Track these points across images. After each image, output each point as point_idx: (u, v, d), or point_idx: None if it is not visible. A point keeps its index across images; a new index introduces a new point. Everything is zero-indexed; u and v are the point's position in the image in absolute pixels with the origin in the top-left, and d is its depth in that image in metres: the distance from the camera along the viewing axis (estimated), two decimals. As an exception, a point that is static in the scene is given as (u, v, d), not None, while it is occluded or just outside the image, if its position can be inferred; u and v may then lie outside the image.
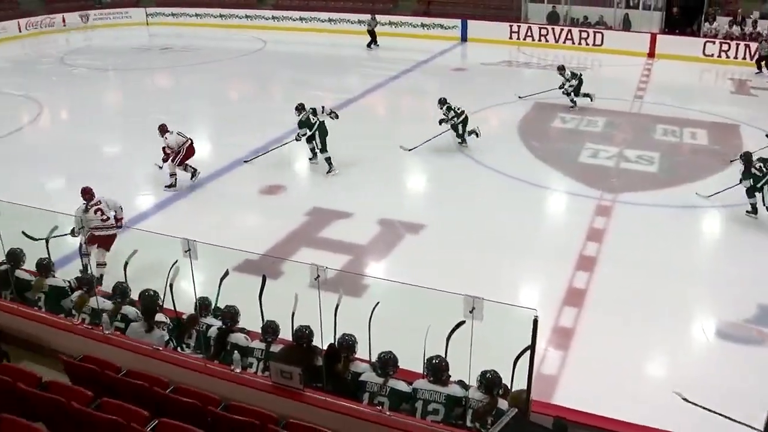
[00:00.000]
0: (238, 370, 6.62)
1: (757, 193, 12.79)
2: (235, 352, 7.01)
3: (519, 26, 28.99)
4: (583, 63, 25.90)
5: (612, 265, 11.33)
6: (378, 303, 7.11)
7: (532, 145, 16.96)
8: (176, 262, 7.71)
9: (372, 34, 29.47)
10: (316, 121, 15.32)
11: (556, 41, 28.40)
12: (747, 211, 13.00)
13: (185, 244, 6.33)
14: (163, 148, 14.71)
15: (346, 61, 28.03)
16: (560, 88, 19.45)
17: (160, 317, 7.78)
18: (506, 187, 14.67)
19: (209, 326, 7.55)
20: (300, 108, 15.62)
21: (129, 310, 7.90)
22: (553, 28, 28.58)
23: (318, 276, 5.98)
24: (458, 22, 29.87)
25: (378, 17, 29.88)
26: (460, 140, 16.66)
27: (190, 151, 14.70)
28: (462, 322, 6.14)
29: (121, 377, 6.45)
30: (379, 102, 21.72)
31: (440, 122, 16.52)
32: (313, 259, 6.37)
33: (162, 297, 8.04)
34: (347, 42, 29.90)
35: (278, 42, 30.69)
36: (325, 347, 6.80)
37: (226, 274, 8.30)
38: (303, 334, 6.82)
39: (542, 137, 17.70)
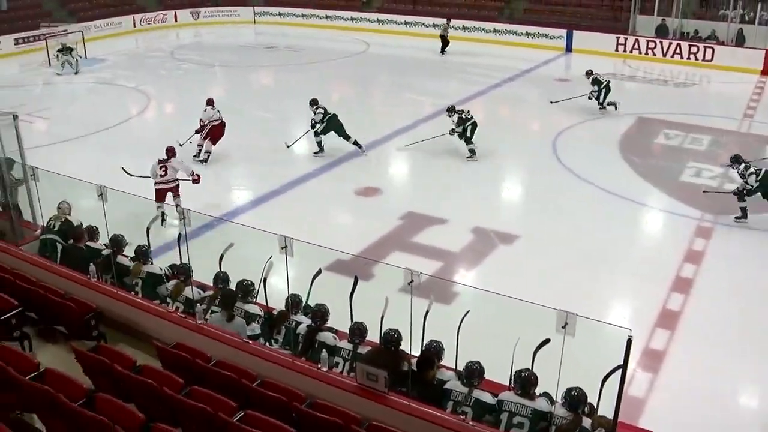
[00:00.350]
0: (324, 369, 6.70)
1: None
2: (323, 350, 7.08)
3: (626, 38, 28.38)
4: (691, 78, 25.24)
5: (709, 289, 11.00)
6: (468, 311, 7.08)
7: (633, 160, 16.58)
8: (271, 257, 7.86)
9: (444, 39, 29.37)
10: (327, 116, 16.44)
11: (664, 55, 27.65)
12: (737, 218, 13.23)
13: (282, 241, 6.43)
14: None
15: (448, 66, 27.99)
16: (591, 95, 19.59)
17: (254, 309, 7.95)
18: (603, 202, 14.39)
19: (299, 323, 7.65)
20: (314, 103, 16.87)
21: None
22: (661, 42, 27.83)
23: (411, 281, 5.99)
24: (564, 32, 29.46)
25: (483, 24, 29.78)
26: (469, 147, 16.48)
27: (217, 131, 16.13)
28: (547, 340, 6.06)
29: (211, 367, 6.61)
30: (478, 109, 21.56)
31: (451, 132, 16.44)
32: (405, 264, 6.39)
33: (256, 291, 8.21)
34: (451, 48, 29.85)
35: (382, 45, 30.91)
36: (412, 352, 6.81)
37: (319, 272, 8.40)
38: (392, 338, 6.83)
39: (644, 153, 17.29)
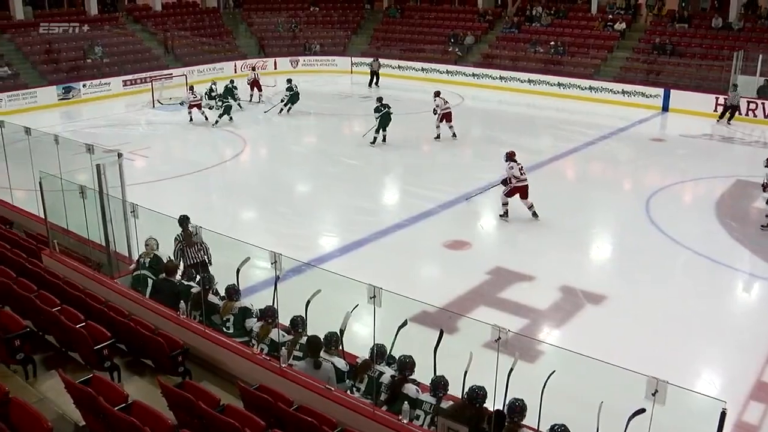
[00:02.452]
0: (405, 421, 6.65)
1: None
2: (405, 402, 7.03)
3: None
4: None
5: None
6: (553, 372, 6.94)
7: (729, 224, 16.06)
8: (356, 306, 7.89)
9: (374, 75, 33.08)
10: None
11: (766, 117, 26.86)
12: None
13: (371, 291, 6.46)
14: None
15: (542, 122, 27.87)
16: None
17: (340, 363, 7.95)
18: (696, 266, 13.97)
19: (381, 373, 7.63)
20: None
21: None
22: (763, 103, 27.00)
23: (499, 338, 5.93)
24: (661, 90, 28.99)
25: (578, 81, 29.73)
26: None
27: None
28: (643, 410, 5.88)
29: (293, 411, 6.63)
30: (571, 166, 21.40)
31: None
32: (490, 319, 6.33)
33: (341, 340, 8.23)
34: (545, 104, 29.78)
35: (476, 98, 31.00)
36: (496, 409, 6.69)
37: (405, 323, 8.37)
38: (478, 395, 6.71)
39: (741, 217, 16.72)
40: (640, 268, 13.77)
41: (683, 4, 33.04)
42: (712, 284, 13.19)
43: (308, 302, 8.84)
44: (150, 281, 9.94)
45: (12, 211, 13.82)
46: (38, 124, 17.73)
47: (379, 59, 34.53)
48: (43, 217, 10.91)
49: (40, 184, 10.42)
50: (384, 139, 22.47)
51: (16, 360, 7.62)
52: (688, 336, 11.22)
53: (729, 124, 26.19)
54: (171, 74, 30.09)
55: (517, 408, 6.70)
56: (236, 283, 9.48)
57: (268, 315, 8.68)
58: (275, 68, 36.30)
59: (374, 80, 33.69)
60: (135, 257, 10.57)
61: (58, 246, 10.84)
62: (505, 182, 15.81)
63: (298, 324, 8.41)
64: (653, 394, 5.30)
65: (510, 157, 15.90)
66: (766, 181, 13.28)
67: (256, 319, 8.85)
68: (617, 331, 11.20)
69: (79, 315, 8.18)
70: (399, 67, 35.79)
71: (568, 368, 8.50)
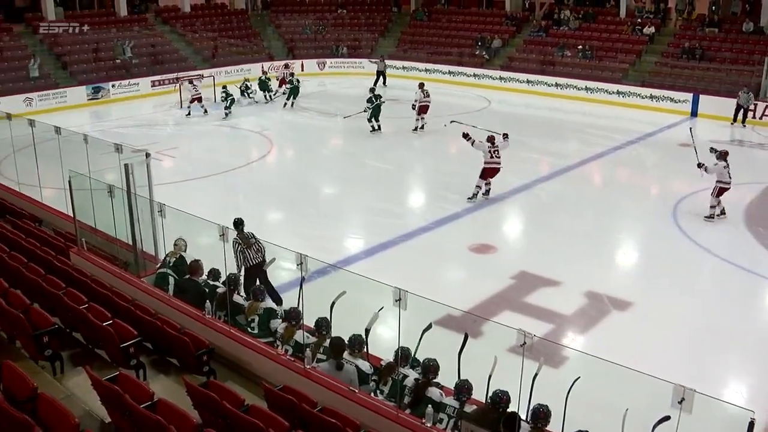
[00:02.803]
0: (429, 424, 6.65)
1: None
2: (429, 405, 7.02)
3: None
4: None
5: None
6: (578, 378, 6.91)
7: (759, 231, 15.87)
8: (381, 308, 7.89)
9: (380, 74, 33.33)
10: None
11: (798, 124, 26.53)
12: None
13: (396, 293, 6.45)
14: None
15: (569, 126, 27.70)
16: None
17: (364, 365, 7.95)
18: (724, 273, 13.82)
19: (405, 376, 7.63)
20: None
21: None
22: (796, 110, 26.73)
23: (524, 342, 5.91)
24: (689, 96, 28.69)
25: (606, 86, 29.63)
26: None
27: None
28: (667, 417, 5.83)
29: (317, 413, 6.65)
30: (597, 171, 21.26)
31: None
32: (515, 324, 6.31)
33: (366, 341, 8.24)
34: (572, 108, 29.61)
35: (503, 102, 30.90)
36: (522, 414, 6.67)
37: (429, 327, 8.36)
38: (502, 399, 6.70)
39: (771, 224, 16.56)
40: (667, 275, 13.65)
41: (713, 8, 32.67)
42: (740, 292, 13.04)
43: (333, 304, 8.86)
44: (172, 279, 10.01)
45: (41, 209, 13.99)
46: (68, 124, 17.90)
47: (385, 60, 34.85)
48: (72, 215, 11.03)
49: (70, 182, 10.54)
50: (379, 128, 23.88)
51: (44, 356, 7.71)
52: (714, 344, 11.11)
53: (743, 125, 26.43)
54: (201, 75, 30.30)
55: (542, 414, 6.68)
56: (259, 284, 9.54)
57: (293, 317, 8.70)
58: (302, 70, 36.37)
59: (380, 80, 33.83)
60: (161, 256, 10.65)
61: (86, 244, 10.95)
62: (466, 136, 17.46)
63: (322, 326, 8.42)
64: (680, 402, 5.26)
65: (489, 139, 17.16)
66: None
67: (281, 320, 8.88)
68: (643, 338, 11.11)
69: (106, 313, 8.26)
70: (426, 70, 35.70)
71: (593, 374, 8.45)
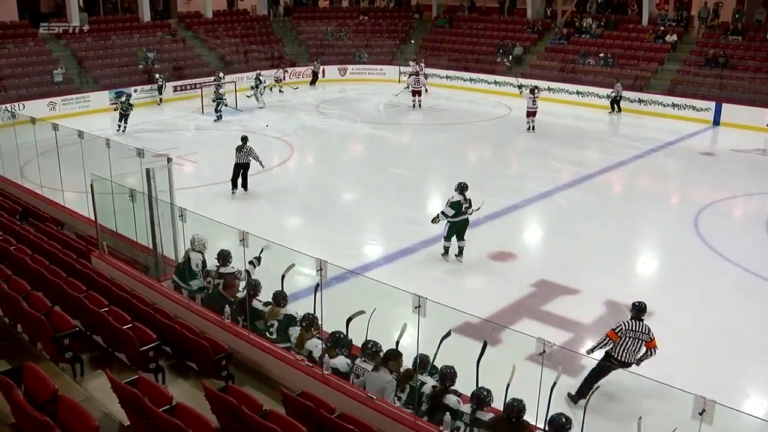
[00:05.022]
0: (446, 432, 6.64)
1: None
2: (447, 413, 7.01)
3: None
4: None
5: None
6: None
7: (782, 241, 15.77)
8: (405, 325, 7.88)
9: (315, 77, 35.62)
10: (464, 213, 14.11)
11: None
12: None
13: (416, 301, 6.44)
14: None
15: (590, 134, 27.60)
16: None
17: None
18: (746, 284, 13.68)
19: (423, 383, 7.61)
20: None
21: (340, 361, 8.14)
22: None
23: (543, 351, 5.88)
24: (712, 104, 28.50)
25: (627, 94, 29.55)
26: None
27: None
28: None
29: (334, 419, 6.64)
30: (619, 179, 21.16)
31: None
32: (534, 332, 6.29)
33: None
34: (593, 116, 29.51)
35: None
36: (538, 424, 6.64)
37: (448, 334, 8.34)
38: (513, 408, 6.68)
39: (794, 235, 16.41)
40: (688, 284, 13.55)
41: (737, 16, 32.47)
42: (762, 302, 12.92)
43: (349, 320, 8.85)
44: (185, 293, 10.08)
45: (64, 213, 14.10)
46: (90, 128, 18.03)
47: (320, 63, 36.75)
48: (93, 219, 11.10)
49: (92, 186, 10.60)
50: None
51: (65, 358, 7.76)
52: (735, 355, 11.01)
53: (618, 112, 29.72)
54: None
55: (559, 424, 6.64)
56: (282, 290, 9.54)
57: (304, 320, 8.74)
58: (323, 76, 36.52)
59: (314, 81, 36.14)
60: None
61: (107, 248, 11.02)
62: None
63: (338, 342, 8.34)
64: (700, 414, 5.21)
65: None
66: None
67: (299, 328, 8.89)
68: (663, 348, 10.99)
69: (126, 316, 8.30)
70: (447, 77, 35.76)
71: (613, 384, 8.42)
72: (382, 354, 7.89)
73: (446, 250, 14.35)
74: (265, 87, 31.03)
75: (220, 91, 28.02)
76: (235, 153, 18.19)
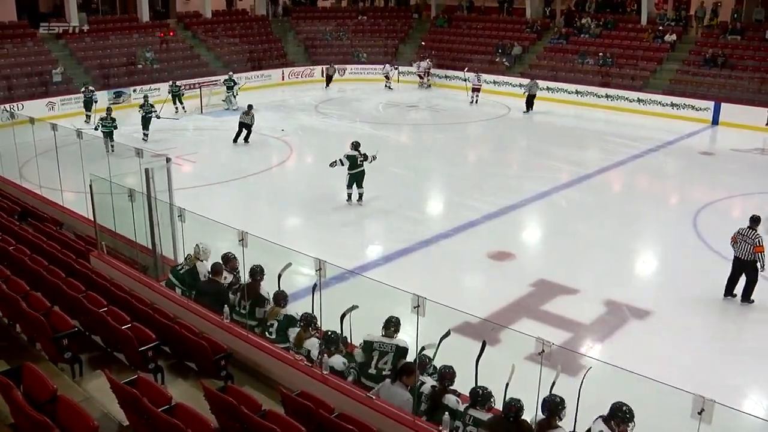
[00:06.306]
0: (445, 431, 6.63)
1: None
2: (446, 413, 7.01)
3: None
4: None
5: None
6: (590, 368, 6.86)
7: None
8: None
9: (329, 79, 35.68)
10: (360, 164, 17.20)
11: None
12: None
13: (415, 300, 6.44)
14: None
15: (589, 134, 27.60)
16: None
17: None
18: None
19: (422, 383, 7.61)
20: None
21: (336, 360, 8.14)
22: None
23: (542, 351, 5.88)
24: (711, 104, 28.50)
25: (626, 93, 29.50)
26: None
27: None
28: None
29: (333, 419, 6.64)
30: (617, 179, 21.16)
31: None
32: (533, 332, 6.29)
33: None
34: (593, 115, 29.51)
35: (523, 109, 30.85)
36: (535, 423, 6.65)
37: (448, 334, 8.34)
38: (511, 408, 6.68)
39: (793, 234, 16.40)
40: (687, 284, 13.55)
41: (736, 16, 32.47)
42: (761, 302, 12.91)
43: (343, 317, 8.86)
44: (178, 290, 10.06)
45: (62, 213, 14.09)
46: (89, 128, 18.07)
47: (335, 65, 36.72)
48: (92, 219, 11.10)
49: (90, 186, 10.60)
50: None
51: (64, 359, 7.76)
52: (734, 354, 11.03)
53: (528, 111, 29.84)
54: (218, 81, 30.61)
55: (553, 404, 6.62)
56: (278, 288, 9.54)
57: (302, 319, 8.76)
58: (322, 75, 36.51)
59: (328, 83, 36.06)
60: (180, 261, 10.69)
61: (106, 248, 11.01)
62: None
63: (331, 342, 8.28)
64: (699, 413, 5.21)
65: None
66: None
67: (299, 329, 8.90)
68: (662, 347, 11.05)
69: (125, 316, 8.30)
70: (446, 77, 35.74)
71: (611, 384, 8.40)
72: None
73: (349, 196, 17.45)
74: (239, 88, 30.35)
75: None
76: (241, 114, 23.58)
